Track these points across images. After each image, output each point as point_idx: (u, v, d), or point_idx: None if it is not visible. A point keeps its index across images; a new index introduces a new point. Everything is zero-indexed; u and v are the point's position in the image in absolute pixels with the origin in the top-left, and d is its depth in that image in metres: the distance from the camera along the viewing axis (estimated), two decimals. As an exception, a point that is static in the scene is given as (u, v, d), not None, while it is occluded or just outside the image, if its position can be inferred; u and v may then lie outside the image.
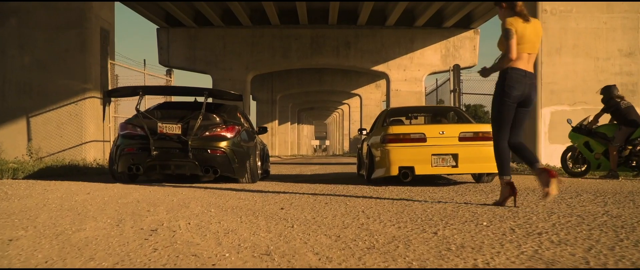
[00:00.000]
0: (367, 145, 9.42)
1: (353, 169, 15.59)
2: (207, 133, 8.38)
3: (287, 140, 45.28)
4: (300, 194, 6.79)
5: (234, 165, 8.45)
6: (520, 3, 4.68)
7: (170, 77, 16.07)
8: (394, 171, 8.27)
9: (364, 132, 10.86)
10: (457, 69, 15.51)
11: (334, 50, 29.27)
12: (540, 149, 14.61)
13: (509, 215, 4.38)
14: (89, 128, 14.18)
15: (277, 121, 40.61)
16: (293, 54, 29.33)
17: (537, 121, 14.56)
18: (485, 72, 5.03)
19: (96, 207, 5.08)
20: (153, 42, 29.32)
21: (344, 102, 47.97)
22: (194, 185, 8.42)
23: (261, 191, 7.27)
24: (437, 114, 9.97)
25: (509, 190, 4.85)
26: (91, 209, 4.90)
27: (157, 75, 15.69)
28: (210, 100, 9.00)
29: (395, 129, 8.45)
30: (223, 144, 8.37)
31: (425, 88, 23.30)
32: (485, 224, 3.92)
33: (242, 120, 9.54)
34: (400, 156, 8.26)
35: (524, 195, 6.29)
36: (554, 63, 14.63)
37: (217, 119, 8.48)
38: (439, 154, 8.29)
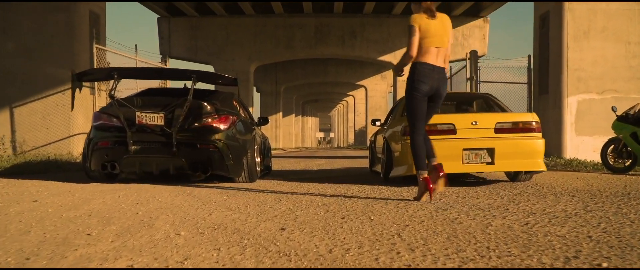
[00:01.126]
0: (384, 138, 7.89)
1: (362, 163, 14.05)
2: (196, 124, 6.87)
3: (292, 132, 43.73)
4: (307, 200, 5.28)
5: (228, 162, 6.95)
6: (427, 1, 4.65)
7: (166, 65, 14.58)
8: (418, 169, 6.75)
9: (378, 123, 9.33)
10: (474, 56, 13.95)
11: (339, 39, 27.71)
12: (565, 141, 13.06)
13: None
14: (77, 119, 12.65)
15: (281, 113, 39.06)
16: (297, 44, 27.78)
17: (563, 111, 13.01)
18: (396, 70, 5.09)
19: (22, 226, 3.58)
20: (154, 32, 27.89)
21: (348, 93, 46.38)
22: (180, 185, 6.92)
23: (258, 195, 5.76)
24: (464, 102, 8.45)
25: (426, 186, 4.77)
26: (11, 229, 3.41)
27: (150, 63, 14.15)
28: (203, 86, 7.40)
29: (419, 119, 6.91)
30: (215, 136, 6.86)
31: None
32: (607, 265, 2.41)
33: (239, 109, 8.02)
34: (425, 151, 6.73)
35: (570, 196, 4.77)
36: (581, 48, 13.05)
37: (208, 107, 6.96)
38: (471, 149, 6.76)
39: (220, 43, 27.80)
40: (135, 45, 13.18)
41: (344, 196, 5.62)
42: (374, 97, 38.53)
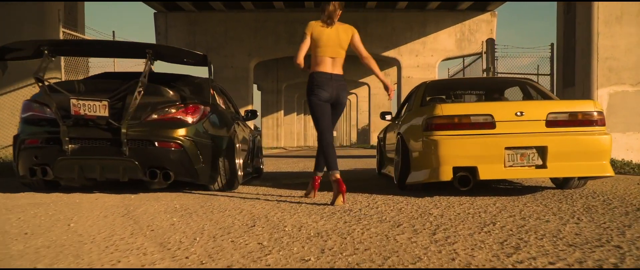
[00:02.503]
0: (397, 135, 6.09)
1: (367, 163, 12.23)
2: (154, 116, 5.08)
3: (293, 131, 41.85)
4: (294, 223, 3.50)
5: (197, 165, 5.16)
6: (330, 8, 4.50)
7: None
8: (446, 174, 4.94)
9: (388, 117, 7.52)
10: (490, 44, 12.14)
11: (341, 35, 25.84)
12: (595, 139, 11.23)
13: None
14: (50, 115, 10.87)
15: (282, 111, 37.21)
16: (298, 40, 25.73)
17: (592, 105, 11.17)
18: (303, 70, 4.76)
19: None
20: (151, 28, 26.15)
21: (351, 91, 44.50)
22: (133, 193, 5.16)
23: (227, 215, 3.97)
24: (494, 89, 6.63)
25: (314, 184, 4.78)
26: None
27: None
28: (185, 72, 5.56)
29: (448, 109, 5.10)
30: (179, 132, 5.06)
31: (448, 71, 19.92)
32: None
33: (217, 99, 6.23)
34: (455, 151, 4.94)
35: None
36: (612, 34, 11.21)
37: (171, 93, 5.16)
38: (516, 148, 4.95)
39: (219, 39, 26.03)
40: (113, 32, 11.38)
41: (350, 215, 3.82)
42: (377, 95, 36.65)
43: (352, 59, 30.95)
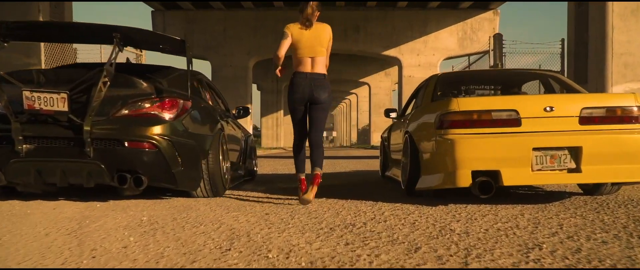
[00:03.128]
0: (405, 134, 5.32)
1: (368, 164, 11.46)
2: (124, 111, 4.30)
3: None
4: (281, 246, 2.73)
5: (175, 169, 4.38)
6: (308, 10, 4.43)
7: (141, 52, 12.05)
8: (464, 180, 4.17)
9: (393, 115, 6.75)
10: (498, 40, 11.35)
11: (342, 33, 25.09)
12: (609, 139, 10.45)
13: None
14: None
15: (282, 111, 36.37)
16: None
17: (607, 103, 10.39)
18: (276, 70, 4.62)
19: None
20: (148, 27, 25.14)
21: (351, 91, 43.64)
22: (101, 201, 4.39)
23: (200, 231, 3.19)
24: (512, 84, 5.84)
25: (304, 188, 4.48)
26: None
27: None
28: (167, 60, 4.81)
29: (465, 103, 4.32)
30: (153, 130, 4.28)
31: (453, 69, 19.16)
32: None
33: (202, 93, 5.46)
34: (474, 152, 4.16)
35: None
36: (628, 28, 10.44)
37: (144, 85, 4.38)
38: (545, 149, 4.16)
39: (217, 37, 25.24)
40: (100, 26, 10.55)
41: (352, 232, 3.05)
42: (377, 95, 35.83)
43: (352, 59, 30.13)
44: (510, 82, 5.85)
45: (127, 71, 4.60)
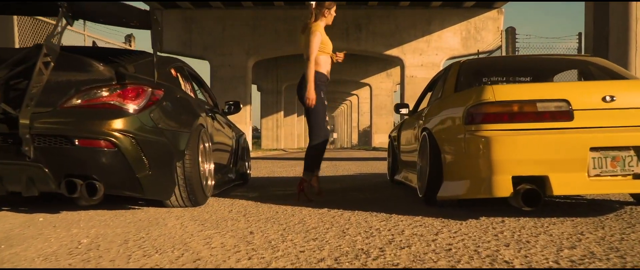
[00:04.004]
0: (422, 132, 4.40)
1: (372, 167, 10.53)
2: (75, 101, 3.38)
3: (294, 132, 40.05)
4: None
5: (139, 173, 3.45)
6: (332, 11, 4.60)
7: (131, 45, 11.11)
8: (503, 188, 3.24)
9: (404, 111, 5.83)
10: (511, 34, 10.43)
11: (343, 33, 24.20)
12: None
13: None
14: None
15: (282, 112, 35.42)
16: (299, 38, 24.20)
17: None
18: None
19: None
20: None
21: (352, 92, 42.63)
22: (48, 213, 3.48)
23: (161, 252, 2.28)
24: (553, 71, 4.90)
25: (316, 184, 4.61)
26: None
27: (105, 40, 10.57)
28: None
29: (503, 92, 3.40)
30: (112, 125, 3.35)
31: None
32: None
33: (183, 84, 4.54)
34: (515, 153, 3.24)
35: None
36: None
37: (103, 69, 3.46)
38: (606, 148, 3.23)
39: (216, 37, 24.34)
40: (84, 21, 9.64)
41: (366, 263, 2.13)
42: (379, 96, 34.86)
43: (352, 59, 29.12)
44: (548, 70, 4.88)
45: (87, 54, 3.68)
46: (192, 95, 4.72)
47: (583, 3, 10.86)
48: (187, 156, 3.84)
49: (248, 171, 6.75)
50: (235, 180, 6.08)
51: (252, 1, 23.28)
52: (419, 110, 5.51)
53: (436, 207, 3.94)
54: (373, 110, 34.73)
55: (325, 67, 4.52)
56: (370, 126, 35.63)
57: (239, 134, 6.53)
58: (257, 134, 37.22)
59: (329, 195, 5.02)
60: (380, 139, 33.72)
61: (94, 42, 5.06)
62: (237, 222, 3.28)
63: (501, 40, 10.86)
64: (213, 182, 4.46)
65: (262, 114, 35.54)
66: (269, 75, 34.46)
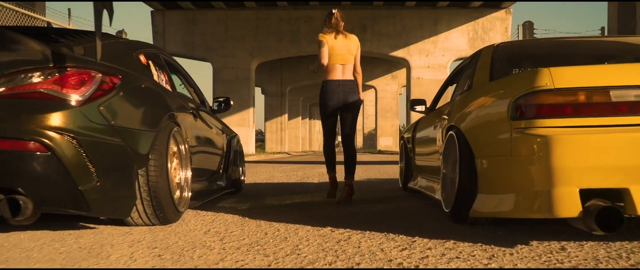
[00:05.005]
0: (447, 130, 3.51)
1: (380, 171, 9.66)
2: (-3, 89, 2.52)
3: (298, 135, 39.11)
4: None
5: (83, 186, 2.58)
6: (333, 20, 4.44)
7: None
8: (568, 205, 2.35)
9: (420, 108, 4.94)
10: (529, 28, 9.54)
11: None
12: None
13: None
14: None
15: (286, 115, 34.51)
16: (303, 39, 23.40)
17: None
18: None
19: None
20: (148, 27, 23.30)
21: (357, 96, 41.71)
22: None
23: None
24: (609, 57, 3.97)
25: (333, 184, 4.69)
26: None
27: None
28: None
29: (563, 76, 2.52)
30: (45, 121, 2.50)
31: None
32: None
33: (156, 73, 3.66)
34: (583, 158, 2.35)
35: None
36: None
37: (36, 48, 2.60)
38: None
39: (219, 38, 23.54)
40: (68, 9, 8.86)
41: None
42: (384, 98, 33.92)
43: None
44: (608, 56, 3.94)
45: (22, 33, 2.81)
46: (168, 88, 3.85)
47: (600, 3, 9.97)
48: (152, 162, 2.96)
49: (242, 178, 5.88)
50: (226, 188, 5.21)
51: (255, 1, 22.49)
52: (438, 107, 4.62)
53: (467, 226, 3.06)
54: (378, 113, 33.84)
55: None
56: (376, 129, 34.74)
57: (231, 136, 5.66)
58: (261, 137, 36.39)
59: (333, 208, 4.13)
60: (386, 142, 32.84)
61: (48, 24, 4.20)
62: (208, 251, 2.40)
63: (518, 36, 9.96)
64: (189, 194, 3.57)
65: (266, 117, 34.68)
66: (273, 77, 33.63)
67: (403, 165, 5.60)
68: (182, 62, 25.43)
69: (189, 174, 3.57)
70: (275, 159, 19.08)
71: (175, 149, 3.39)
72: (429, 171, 4.39)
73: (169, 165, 3.12)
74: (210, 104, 5.16)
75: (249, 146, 23.39)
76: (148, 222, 3.08)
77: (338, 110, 4.48)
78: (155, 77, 3.64)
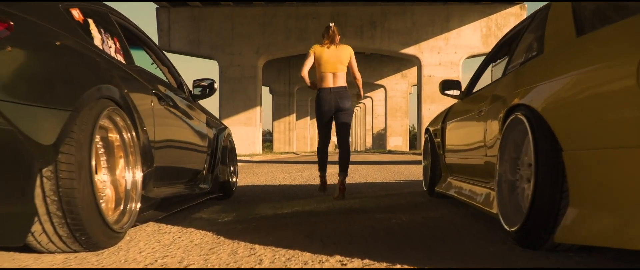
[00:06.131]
0: (513, 113, 2.40)
1: (395, 172, 8.54)
2: None
3: (306, 135, 37.97)
4: None
5: None
6: (330, 33, 4.66)
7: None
8: None
9: (453, 92, 3.83)
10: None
11: (357, 30, 22.27)
12: None
13: None
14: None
15: (294, 115, 33.39)
16: (311, 36, 22.27)
17: None
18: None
19: None
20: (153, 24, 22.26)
21: (366, 95, 40.56)
22: None
23: None
24: None
25: (322, 184, 4.82)
26: None
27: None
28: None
29: None
30: None
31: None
32: None
33: (94, 33, 2.57)
34: None
35: None
36: None
37: None
38: None
39: (225, 35, 22.51)
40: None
41: None
42: (393, 98, 32.73)
43: (366, 60, 26.77)
44: None
45: None
46: (119, 59, 2.76)
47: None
48: (63, 157, 1.88)
49: (233, 179, 4.80)
50: (211, 193, 4.15)
51: (262, -2, 21.50)
52: (476, 90, 3.53)
53: (543, 255, 1.97)
54: (387, 112, 32.69)
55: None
56: (385, 129, 33.58)
57: (219, 129, 4.59)
58: (269, 138, 35.34)
59: (342, 220, 3.04)
60: (395, 142, 31.71)
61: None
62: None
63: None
64: (138, 205, 2.47)
65: (274, 117, 33.61)
66: (281, 76, 32.57)
67: (429, 164, 4.49)
68: (188, 60, 24.45)
69: (139, 176, 2.48)
70: (281, 159, 18.01)
71: (114, 138, 2.31)
72: (468, 171, 3.29)
73: (93, 162, 2.03)
74: (191, 89, 4.08)
75: (256, 146, 22.35)
76: (65, 248, 2.01)
77: (332, 115, 4.62)
78: (98, 42, 2.57)
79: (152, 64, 3.86)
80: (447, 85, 3.80)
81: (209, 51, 22.67)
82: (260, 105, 23.03)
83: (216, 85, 4.08)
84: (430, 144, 4.37)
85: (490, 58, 3.64)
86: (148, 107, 2.79)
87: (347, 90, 4.64)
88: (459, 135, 3.51)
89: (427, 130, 4.57)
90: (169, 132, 3.17)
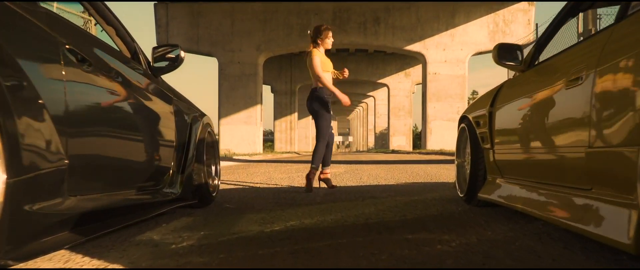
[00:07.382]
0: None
1: (406, 172, 7.39)
2: None
3: (308, 135, 36.80)
4: None
5: None
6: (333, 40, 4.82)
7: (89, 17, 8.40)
8: None
9: (512, 63, 2.71)
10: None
11: (360, 27, 21.16)
12: None
13: None
14: None
15: (296, 114, 32.23)
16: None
17: None
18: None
19: None
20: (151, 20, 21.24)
21: (368, 94, 39.11)
22: None
23: None
24: None
25: (328, 181, 4.76)
26: None
27: (67, 10, 7.65)
28: None
29: None
30: None
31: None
32: None
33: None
34: None
35: None
36: None
37: None
38: None
39: (225, 32, 21.42)
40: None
41: None
42: (396, 96, 31.50)
43: (368, 58, 25.17)
44: None
45: None
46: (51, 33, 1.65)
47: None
48: None
49: (214, 182, 3.68)
50: (182, 200, 3.04)
51: (263, -7, 20.39)
52: (549, 58, 2.40)
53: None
54: (390, 112, 31.53)
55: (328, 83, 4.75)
56: (388, 128, 32.43)
57: (194, 117, 3.46)
58: (270, 137, 34.20)
59: (362, 244, 1.92)
60: (398, 142, 30.58)
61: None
62: None
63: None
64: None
65: (275, 116, 32.46)
66: (282, 75, 31.44)
67: (465, 163, 3.36)
68: (187, 57, 23.38)
69: (3, 178, 1.37)
70: (281, 158, 16.88)
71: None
72: (540, 172, 2.17)
73: None
74: (150, 61, 2.96)
75: (256, 145, 21.26)
76: None
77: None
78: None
79: (95, 24, 2.75)
80: (504, 50, 2.66)
81: (208, 48, 21.58)
82: (261, 103, 21.93)
83: (183, 55, 2.96)
84: (470, 136, 3.23)
85: (560, 21, 2.51)
86: (53, 69, 1.69)
87: (315, 92, 4.79)
88: (526, 119, 2.38)
89: (463, 118, 3.43)
90: (99, 113, 2.06)
